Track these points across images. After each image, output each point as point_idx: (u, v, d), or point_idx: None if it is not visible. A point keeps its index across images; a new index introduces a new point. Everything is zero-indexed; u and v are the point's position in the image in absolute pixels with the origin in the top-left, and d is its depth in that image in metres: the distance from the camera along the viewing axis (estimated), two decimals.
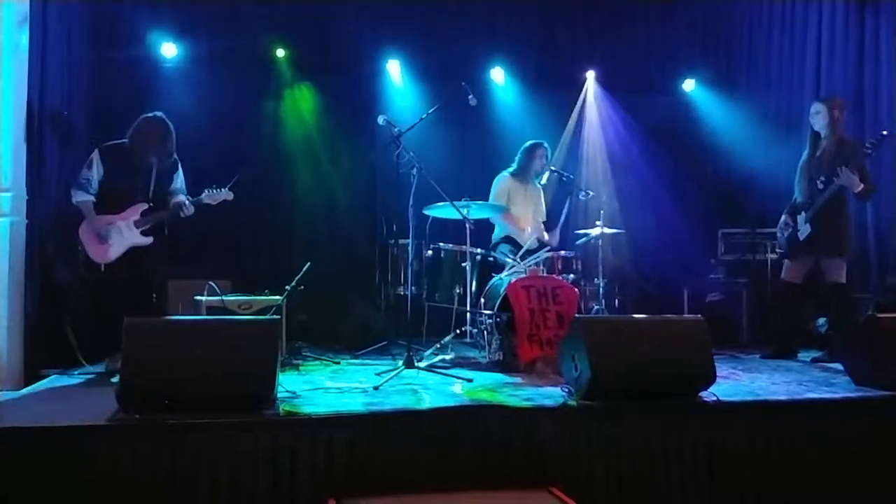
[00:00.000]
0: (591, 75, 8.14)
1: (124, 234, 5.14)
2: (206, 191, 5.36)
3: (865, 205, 6.27)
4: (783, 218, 5.86)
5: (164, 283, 6.13)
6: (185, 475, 3.21)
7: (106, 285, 5.11)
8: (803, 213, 5.68)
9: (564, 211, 6.50)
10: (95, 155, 5.13)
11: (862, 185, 5.37)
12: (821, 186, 5.55)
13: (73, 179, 5.14)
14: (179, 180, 5.43)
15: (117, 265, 5.10)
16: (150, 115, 5.22)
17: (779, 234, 5.97)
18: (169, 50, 7.05)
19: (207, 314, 5.20)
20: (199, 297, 5.37)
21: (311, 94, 7.48)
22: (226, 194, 5.42)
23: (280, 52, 7.37)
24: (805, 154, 5.79)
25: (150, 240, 5.20)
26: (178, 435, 3.24)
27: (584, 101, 8.21)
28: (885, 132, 5.49)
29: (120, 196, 5.16)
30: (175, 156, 5.32)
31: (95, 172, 5.10)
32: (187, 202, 5.27)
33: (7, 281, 4.45)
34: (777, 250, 6.17)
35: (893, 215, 6.49)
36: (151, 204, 5.22)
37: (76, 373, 4.85)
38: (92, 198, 5.09)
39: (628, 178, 8.20)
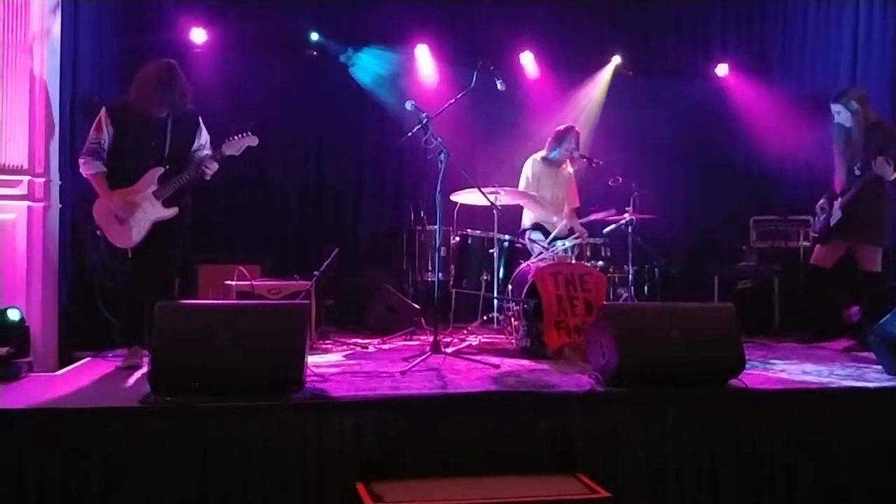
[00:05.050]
0: (614, 59, 8.03)
1: (147, 211, 4.48)
2: (225, 141, 4.65)
3: None
4: (821, 201, 5.78)
5: (194, 267, 6.20)
6: (215, 457, 3.24)
7: (135, 272, 4.65)
8: (839, 199, 5.61)
9: None
10: (103, 114, 4.47)
11: None
12: (857, 174, 5.48)
13: (82, 146, 4.53)
14: (204, 137, 4.74)
15: (145, 247, 4.52)
16: (155, 59, 4.57)
17: (814, 218, 5.92)
18: (198, 35, 7.06)
19: (237, 299, 5.24)
20: (229, 282, 5.42)
21: (341, 79, 7.46)
22: (249, 140, 4.68)
23: (314, 36, 7.35)
24: (840, 144, 5.70)
25: (174, 211, 4.54)
26: (208, 418, 3.27)
27: (605, 85, 8.10)
28: None
29: (131, 162, 4.49)
30: (191, 107, 4.65)
31: (105, 134, 4.44)
32: (208, 156, 4.60)
33: (41, 265, 4.50)
34: (811, 234, 6.10)
35: None
36: (168, 167, 4.54)
37: (109, 355, 4.89)
38: (104, 168, 4.45)
39: (659, 164, 8.12)
